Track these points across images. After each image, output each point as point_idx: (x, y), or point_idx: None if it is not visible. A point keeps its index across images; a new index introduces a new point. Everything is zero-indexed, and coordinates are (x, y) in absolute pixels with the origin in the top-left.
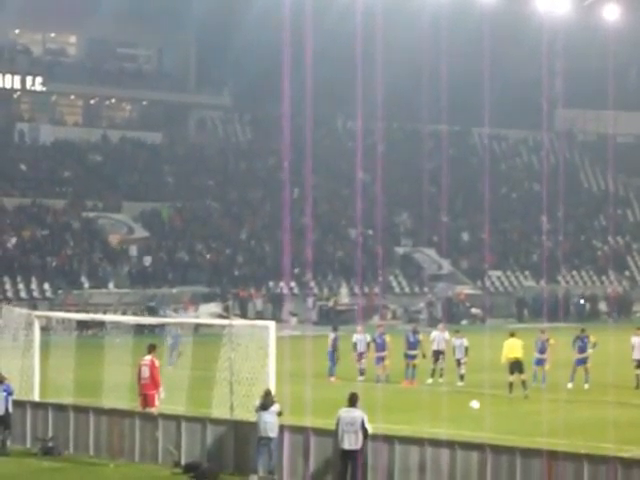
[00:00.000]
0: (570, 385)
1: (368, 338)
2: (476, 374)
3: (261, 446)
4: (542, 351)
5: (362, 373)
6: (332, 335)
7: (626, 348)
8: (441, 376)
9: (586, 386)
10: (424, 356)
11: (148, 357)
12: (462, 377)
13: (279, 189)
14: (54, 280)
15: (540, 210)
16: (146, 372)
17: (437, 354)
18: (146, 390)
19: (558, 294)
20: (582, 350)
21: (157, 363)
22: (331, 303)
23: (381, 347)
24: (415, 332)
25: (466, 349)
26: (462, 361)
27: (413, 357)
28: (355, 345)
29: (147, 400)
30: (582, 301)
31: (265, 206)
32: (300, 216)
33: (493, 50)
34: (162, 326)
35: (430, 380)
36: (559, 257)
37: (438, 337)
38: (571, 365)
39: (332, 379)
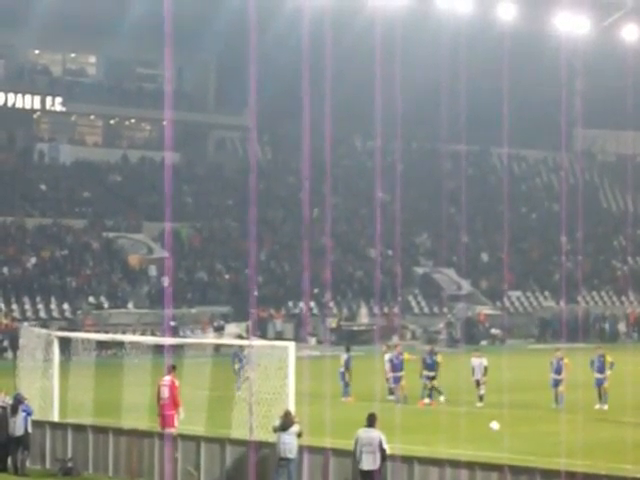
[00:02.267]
0: (598, 406)
1: (406, 356)
2: (496, 395)
3: (280, 467)
4: (558, 371)
5: (392, 392)
6: (345, 356)
7: None
8: (440, 393)
9: (605, 407)
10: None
11: (168, 378)
12: (481, 398)
13: (298, 209)
14: (73, 300)
15: (559, 230)
16: (165, 392)
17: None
18: (165, 410)
19: (578, 314)
20: (600, 370)
21: (177, 383)
22: (334, 324)
23: (398, 367)
24: (433, 353)
25: (485, 369)
26: (481, 381)
27: (431, 378)
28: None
29: (166, 420)
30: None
31: (284, 226)
32: (319, 236)
33: (512, 70)
34: (181, 346)
35: (427, 400)
36: (579, 277)
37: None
38: (592, 386)
39: (347, 399)
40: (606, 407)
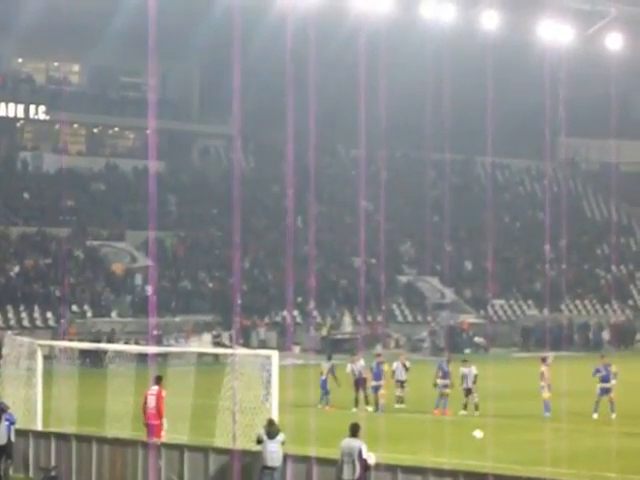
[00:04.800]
0: (595, 415)
1: (386, 367)
2: (480, 403)
3: (265, 475)
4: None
5: (401, 401)
6: (327, 364)
7: (630, 377)
8: (367, 403)
9: (613, 416)
10: (452, 385)
11: (155, 388)
12: (477, 406)
13: (282, 217)
14: (57, 309)
15: (543, 239)
16: (152, 402)
17: (360, 382)
18: (152, 420)
19: (561, 323)
20: (605, 380)
21: (164, 394)
22: (324, 332)
23: (378, 376)
24: (448, 361)
25: (475, 377)
26: (473, 390)
27: (446, 386)
28: (393, 373)
29: (153, 430)
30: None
31: (268, 234)
32: (303, 244)
33: (496, 79)
34: (166, 354)
35: (354, 409)
36: (562, 286)
37: (355, 367)
38: (593, 395)
39: (326, 407)
40: (614, 416)
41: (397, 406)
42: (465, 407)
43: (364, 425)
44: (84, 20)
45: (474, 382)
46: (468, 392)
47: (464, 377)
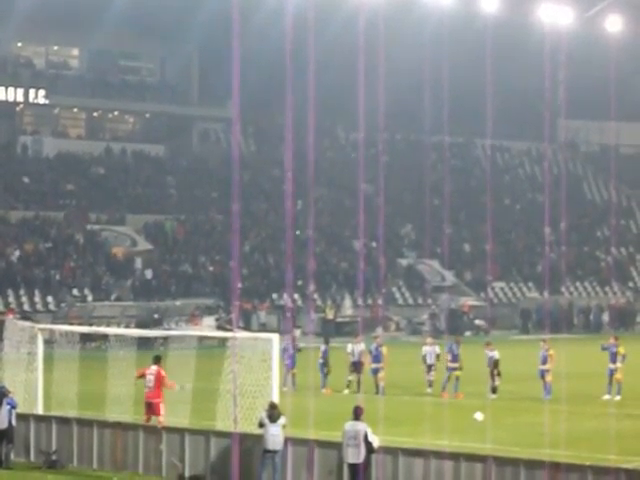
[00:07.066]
0: (607, 397)
1: (437, 350)
2: (480, 385)
3: (266, 459)
4: (544, 362)
5: (430, 385)
6: (322, 347)
7: (630, 359)
8: (348, 386)
9: (617, 398)
10: (461, 368)
11: (154, 367)
12: (495, 390)
13: (282, 201)
14: (57, 293)
15: (543, 221)
16: (151, 381)
17: (357, 365)
18: (151, 398)
19: (562, 305)
20: (612, 360)
21: (163, 373)
22: (331, 315)
23: (377, 359)
24: (457, 344)
25: (496, 362)
26: (494, 373)
27: (455, 369)
28: (424, 357)
29: (152, 408)
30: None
31: (268, 218)
32: (303, 228)
33: (495, 61)
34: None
35: (347, 391)
36: (562, 268)
37: (355, 348)
38: (593, 377)
39: (323, 391)
40: (618, 398)
41: (429, 390)
42: (494, 391)
43: (364, 408)
44: (83, 4)
45: (495, 366)
46: (491, 375)
47: (489, 361)
